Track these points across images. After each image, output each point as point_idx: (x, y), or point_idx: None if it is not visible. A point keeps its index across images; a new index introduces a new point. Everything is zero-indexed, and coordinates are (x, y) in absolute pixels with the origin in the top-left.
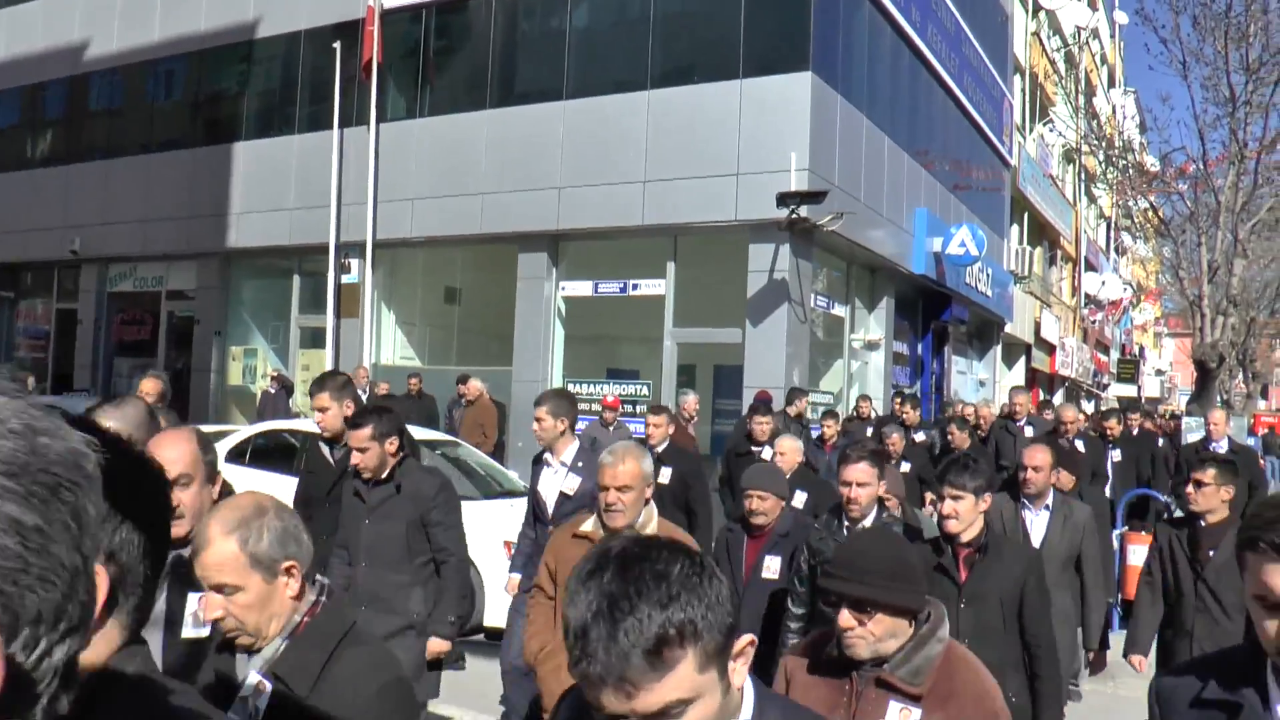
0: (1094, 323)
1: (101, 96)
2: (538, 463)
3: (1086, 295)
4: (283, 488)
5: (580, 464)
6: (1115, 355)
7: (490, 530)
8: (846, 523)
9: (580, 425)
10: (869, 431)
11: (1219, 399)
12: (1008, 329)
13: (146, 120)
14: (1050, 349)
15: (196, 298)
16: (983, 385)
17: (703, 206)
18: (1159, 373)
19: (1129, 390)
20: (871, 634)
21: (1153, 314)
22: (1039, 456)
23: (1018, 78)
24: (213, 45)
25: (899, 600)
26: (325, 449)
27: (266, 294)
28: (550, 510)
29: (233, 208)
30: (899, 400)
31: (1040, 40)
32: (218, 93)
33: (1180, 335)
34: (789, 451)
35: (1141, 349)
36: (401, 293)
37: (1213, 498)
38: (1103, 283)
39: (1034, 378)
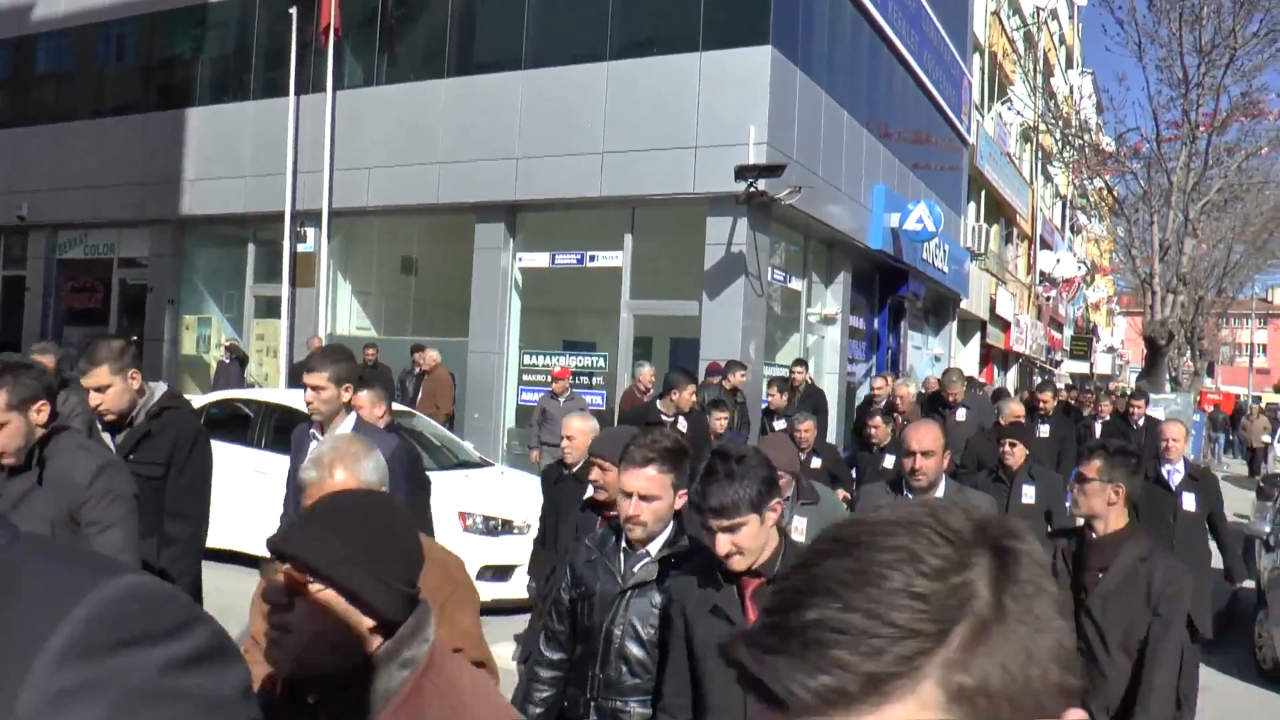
0: (1048, 300)
1: (50, 59)
2: (300, 438)
3: (1041, 273)
4: (238, 458)
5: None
6: (1069, 332)
7: (446, 502)
8: (624, 545)
9: (534, 397)
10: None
11: (1168, 376)
12: (963, 305)
13: (97, 84)
14: (1005, 325)
15: (149, 265)
16: (938, 360)
17: (661, 179)
18: (1111, 350)
19: (1081, 367)
20: (299, 623)
21: (1106, 292)
22: (929, 438)
23: (977, 56)
24: (166, 8)
25: (334, 572)
26: (107, 437)
27: (220, 262)
28: None
29: (186, 174)
30: (770, 381)
31: (1000, 20)
32: (171, 57)
33: (1132, 313)
34: (577, 435)
35: (1094, 326)
36: (357, 262)
37: (1096, 498)
38: (1057, 261)
39: (988, 354)
